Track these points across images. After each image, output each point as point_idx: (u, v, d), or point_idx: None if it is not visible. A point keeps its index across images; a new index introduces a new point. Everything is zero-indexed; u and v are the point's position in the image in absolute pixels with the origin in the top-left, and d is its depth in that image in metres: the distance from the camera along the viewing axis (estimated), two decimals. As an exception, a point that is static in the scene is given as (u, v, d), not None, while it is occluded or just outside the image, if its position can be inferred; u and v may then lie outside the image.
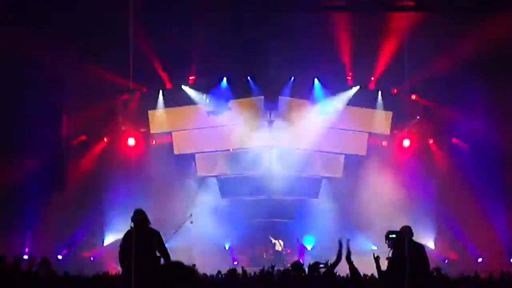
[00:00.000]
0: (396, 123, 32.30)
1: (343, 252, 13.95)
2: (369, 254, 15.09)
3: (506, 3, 24.01)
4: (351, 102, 31.75)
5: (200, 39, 28.35)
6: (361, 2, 24.61)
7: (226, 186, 32.16)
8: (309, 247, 30.99)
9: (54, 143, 30.28)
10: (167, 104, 31.96)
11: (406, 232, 15.44)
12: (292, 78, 31.32)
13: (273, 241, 30.88)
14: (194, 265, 10.43)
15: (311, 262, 14.31)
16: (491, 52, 26.98)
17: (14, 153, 28.07)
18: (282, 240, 31.02)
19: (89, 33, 26.48)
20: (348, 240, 14.26)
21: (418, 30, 26.45)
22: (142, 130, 32.35)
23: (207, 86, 31.42)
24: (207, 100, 31.50)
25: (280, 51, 28.81)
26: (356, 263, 13.88)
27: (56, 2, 24.03)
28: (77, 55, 27.76)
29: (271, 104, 31.28)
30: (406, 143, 32.58)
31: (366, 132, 32.25)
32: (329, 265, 13.81)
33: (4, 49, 25.64)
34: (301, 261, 27.97)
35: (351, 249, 14.01)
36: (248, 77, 31.16)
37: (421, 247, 15.40)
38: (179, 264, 5.58)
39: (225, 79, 31.42)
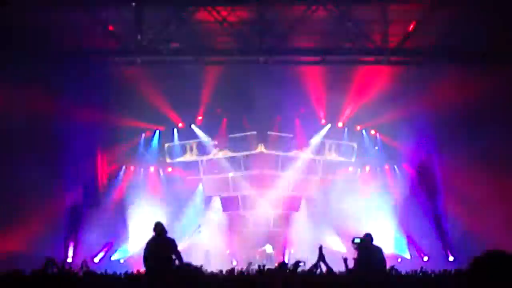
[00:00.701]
0: (359, 153, 32.41)
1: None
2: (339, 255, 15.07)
3: (458, 59, 24.07)
4: (324, 137, 31.91)
5: (206, 87, 28.56)
6: (331, 59, 24.71)
7: (226, 203, 32.18)
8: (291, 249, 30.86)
9: (92, 172, 30.32)
10: (180, 139, 32.06)
11: (368, 238, 15.47)
12: (279, 118, 31.60)
13: (262, 248, 30.78)
14: (201, 266, 10.43)
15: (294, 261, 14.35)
16: (439, 103, 27.08)
17: (63, 181, 28.15)
18: (271, 245, 30.90)
19: (115, 91, 26.69)
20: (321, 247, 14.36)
21: (376, 81, 26.71)
22: (160, 159, 32.36)
23: (212, 125, 31.61)
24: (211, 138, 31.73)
25: (269, 96, 29.04)
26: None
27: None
28: (110, 108, 27.95)
29: (262, 138, 31.43)
30: (367, 168, 32.79)
31: (336, 159, 32.29)
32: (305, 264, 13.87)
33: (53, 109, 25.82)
34: (285, 261, 28.03)
35: (324, 253, 14.10)
36: (244, 117, 31.40)
37: (379, 249, 15.42)
38: (189, 265, 5.62)
39: (225, 120, 31.65)
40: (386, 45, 23.23)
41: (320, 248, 14.45)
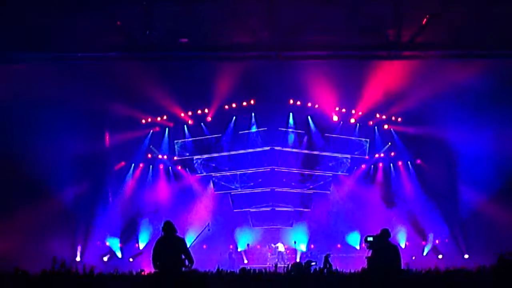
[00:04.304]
0: (372, 149, 32.28)
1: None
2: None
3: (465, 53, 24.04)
4: (336, 133, 31.78)
5: (216, 84, 28.58)
6: (343, 54, 24.55)
7: (237, 201, 32.04)
8: (303, 247, 30.74)
9: (100, 168, 30.42)
10: (190, 136, 32.00)
11: (384, 233, 15.31)
12: (291, 115, 31.57)
13: (275, 245, 30.70)
14: (208, 272, 10.35)
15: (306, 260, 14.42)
16: (451, 93, 27.12)
17: (69, 179, 28.25)
18: (283, 243, 30.81)
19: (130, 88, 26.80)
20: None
21: (387, 75, 26.61)
22: (170, 156, 32.32)
23: (222, 122, 31.61)
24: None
25: (280, 93, 29.22)
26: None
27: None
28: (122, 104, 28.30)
29: (273, 135, 31.35)
30: (380, 164, 32.59)
31: (348, 156, 32.13)
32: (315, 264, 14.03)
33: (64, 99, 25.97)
34: (297, 259, 27.96)
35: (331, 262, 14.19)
36: (253, 114, 31.40)
37: (395, 248, 15.25)
38: (195, 272, 5.58)
39: (234, 117, 31.66)
40: (399, 40, 23.05)
41: (326, 257, 14.51)
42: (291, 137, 31.80)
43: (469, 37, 22.87)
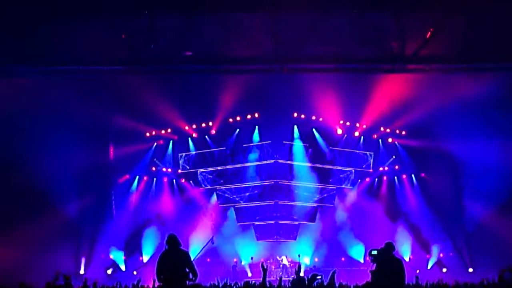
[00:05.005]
0: (376, 162, 32.23)
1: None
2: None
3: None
4: (341, 146, 31.75)
5: (220, 96, 28.65)
6: (346, 67, 24.49)
7: (241, 214, 31.97)
8: (307, 260, 30.66)
9: (104, 182, 30.43)
10: (195, 149, 31.97)
11: (389, 247, 15.22)
12: (296, 127, 31.56)
13: (279, 258, 30.58)
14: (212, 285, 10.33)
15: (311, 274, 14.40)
16: (456, 105, 27.12)
17: (73, 192, 28.25)
18: (287, 256, 30.69)
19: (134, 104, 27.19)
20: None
21: (391, 88, 26.62)
22: (174, 169, 32.29)
23: (225, 135, 31.61)
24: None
25: (284, 106, 29.24)
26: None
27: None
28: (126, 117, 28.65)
29: (277, 147, 31.29)
30: (384, 178, 32.54)
31: (352, 169, 32.08)
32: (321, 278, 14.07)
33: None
34: (301, 273, 27.81)
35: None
36: (257, 127, 31.37)
37: (400, 261, 15.15)
38: (199, 286, 5.55)
39: (238, 130, 31.64)
40: (404, 53, 23.02)
41: (333, 274, 14.63)
42: (296, 150, 31.75)
43: (474, 50, 22.83)
